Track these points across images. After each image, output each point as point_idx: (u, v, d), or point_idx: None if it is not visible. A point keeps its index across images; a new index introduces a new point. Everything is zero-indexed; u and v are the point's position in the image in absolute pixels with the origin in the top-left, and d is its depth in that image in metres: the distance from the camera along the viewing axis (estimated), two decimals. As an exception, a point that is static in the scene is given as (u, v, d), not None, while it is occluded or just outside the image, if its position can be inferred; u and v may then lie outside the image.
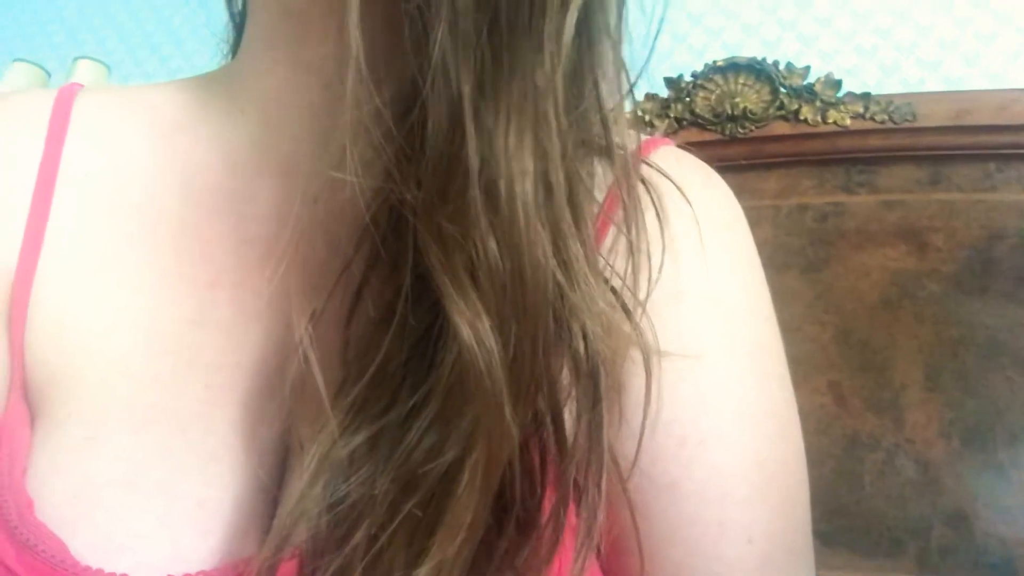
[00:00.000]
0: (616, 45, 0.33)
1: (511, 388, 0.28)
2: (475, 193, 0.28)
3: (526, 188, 0.28)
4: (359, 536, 0.29)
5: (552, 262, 0.29)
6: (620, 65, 0.34)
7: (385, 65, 0.29)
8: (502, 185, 0.28)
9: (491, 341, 0.28)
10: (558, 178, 0.29)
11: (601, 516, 0.31)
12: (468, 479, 0.28)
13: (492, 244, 0.28)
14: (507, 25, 0.28)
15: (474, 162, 0.27)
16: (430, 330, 0.30)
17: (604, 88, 0.33)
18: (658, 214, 0.36)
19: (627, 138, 0.35)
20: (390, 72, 0.30)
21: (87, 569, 0.30)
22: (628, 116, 0.36)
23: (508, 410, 0.28)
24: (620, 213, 0.35)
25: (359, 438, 0.30)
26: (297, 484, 0.30)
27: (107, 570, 0.31)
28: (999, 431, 1.06)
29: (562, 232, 0.29)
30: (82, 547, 0.31)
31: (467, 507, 0.28)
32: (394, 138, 0.30)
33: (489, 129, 0.28)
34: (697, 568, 0.34)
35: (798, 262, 1.16)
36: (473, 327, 0.28)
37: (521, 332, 0.29)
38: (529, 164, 0.28)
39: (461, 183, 0.28)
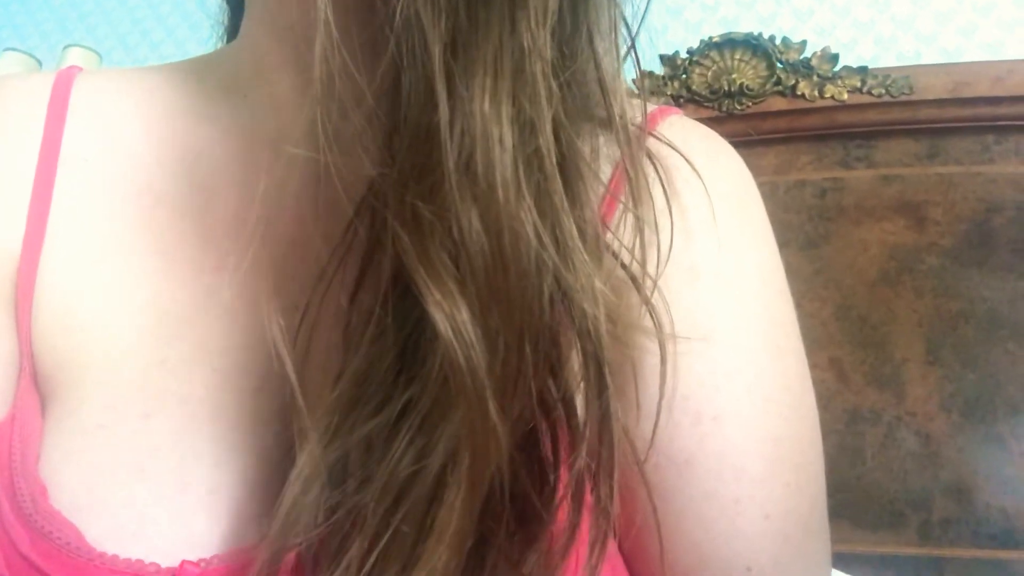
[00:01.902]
0: (613, 6, 0.31)
1: (496, 384, 0.26)
2: (449, 168, 0.25)
3: (505, 160, 0.25)
4: (354, 549, 0.27)
5: (542, 240, 0.26)
6: (618, 18, 0.31)
7: (357, 30, 0.27)
8: (478, 157, 0.25)
9: (470, 333, 0.25)
10: (548, 147, 0.26)
11: (616, 502, 0.30)
12: (453, 487, 0.26)
13: (469, 224, 0.25)
14: None
15: (446, 132, 0.25)
16: (417, 326, 0.28)
17: (600, 45, 0.30)
18: (665, 189, 0.35)
19: (631, 108, 0.33)
20: (361, 36, 0.27)
21: (102, 555, 0.30)
22: (633, 83, 0.33)
23: (493, 408, 0.26)
24: (626, 188, 0.33)
25: (351, 441, 0.28)
26: (290, 488, 0.28)
27: (122, 556, 0.31)
28: (999, 403, 1.06)
29: (553, 206, 0.27)
30: (96, 533, 0.31)
31: (451, 516, 0.27)
32: (368, 108, 0.27)
33: (462, 94, 0.25)
34: (715, 546, 0.34)
35: (797, 238, 1.16)
36: (451, 319, 0.25)
37: (505, 321, 0.26)
38: (508, 133, 0.25)
39: (437, 158, 0.25)
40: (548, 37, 0.26)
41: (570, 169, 0.28)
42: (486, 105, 0.25)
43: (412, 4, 0.25)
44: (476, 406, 0.26)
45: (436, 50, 0.25)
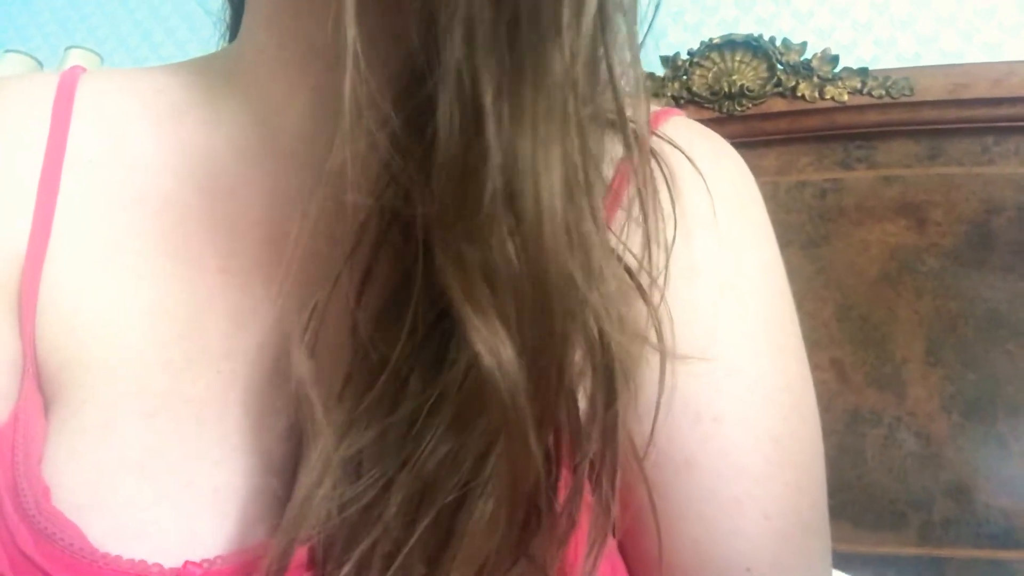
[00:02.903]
0: (630, 18, 0.31)
1: (536, 417, 0.26)
2: (499, 209, 0.25)
3: (555, 203, 0.25)
4: (372, 545, 0.27)
5: (582, 275, 0.26)
6: (633, 39, 0.31)
7: (384, 65, 0.27)
8: (528, 197, 0.25)
9: (516, 371, 0.26)
10: (579, 179, 0.27)
11: (616, 503, 0.30)
12: (493, 509, 0.27)
13: (515, 262, 0.25)
14: (528, 21, 0.25)
15: (497, 173, 0.25)
16: (437, 328, 0.28)
17: (618, 69, 0.30)
18: (670, 189, 0.35)
19: (637, 111, 0.32)
20: (391, 71, 0.27)
21: (105, 556, 0.30)
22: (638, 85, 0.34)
23: (533, 440, 0.26)
24: (631, 190, 0.33)
25: (365, 437, 0.28)
26: (304, 482, 0.29)
27: (125, 557, 0.31)
28: (1000, 404, 1.06)
29: (584, 233, 0.27)
30: (99, 534, 0.31)
31: (488, 538, 0.27)
32: (400, 144, 0.27)
33: (511, 138, 0.25)
34: (715, 545, 0.34)
35: (798, 239, 1.16)
36: (497, 356, 0.25)
37: (547, 357, 0.26)
38: (557, 171, 0.25)
39: (480, 197, 0.25)
40: (580, 71, 0.26)
41: (592, 189, 0.28)
42: (538, 146, 0.25)
43: (462, 47, 0.25)
44: (517, 438, 0.26)
45: (488, 99, 0.25)
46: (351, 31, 0.26)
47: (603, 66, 0.29)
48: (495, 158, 0.25)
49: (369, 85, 0.26)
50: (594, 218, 0.28)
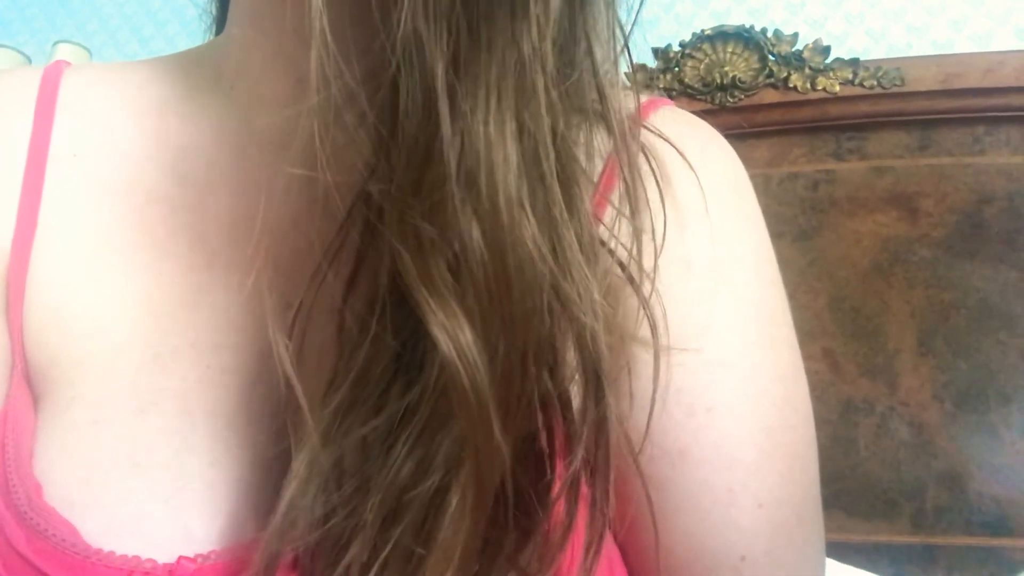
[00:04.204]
0: (611, 2, 0.31)
1: (500, 404, 0.26)
2: (452, 187, 0.24)
3: (509, 179, 0.25)
4: (351, 557, 0.27)
5: (543, 255, 0.26)
6: (615, 24, 0.31)
7: (354, 39, 0.27)
8: (482, 176, 0.24)
9: (475, 355, 0.25)
10: (548, 160, 0.26)
11: (611, 495, 0.30)
12: (457, 504, 0.26)
13: (473, 244, 0.25)
14: None
15: (450, 150, 0.24)
16: (414, 333, 0.27)
17: (599, 53, 0.30)
18: (658, 182, 0.35)
19: (624, 102, 0.32)
20: (359, 46, 0.26)
21: (98, 552, 0.30)
22: (625, 76, 0.33)
23: (497, 428, 0.26)
24: (620, 184, 0.33)
25: (347, 444, 0.28)
26: (289, 489, 0.28)
27: (118, 552, 0.30)
28: (991, 393, 1.07)
29: (553, 219, 0.27)
30: (92, 530, 0.31)
31: (457, 533, 0.26)
32: (367, 122, 0.26)
33: (465, 112, 0.24)
34: (709, 536, 0.34)
35: (790, 230, 1.16)
36: (455, 339, 0.25)
37: (509, 342, 0.26)
38: (513, 150, 0.25)
39: (437, 175, 0.25)
40: (550, 49, 0.26)
41: (568, 178, 0.28)
42: (491, 123, 0.25)
43: (412, 20, 0.24)
44: (480, 425, 0.26)
45: (439, 67, 0.24)
46: (316, 2, 0.26)
47: (582, 52, 0.29)
48: (446, 133, 0.24)
49: (337, 61, 0.26)
50: (568, 205, 0.27)
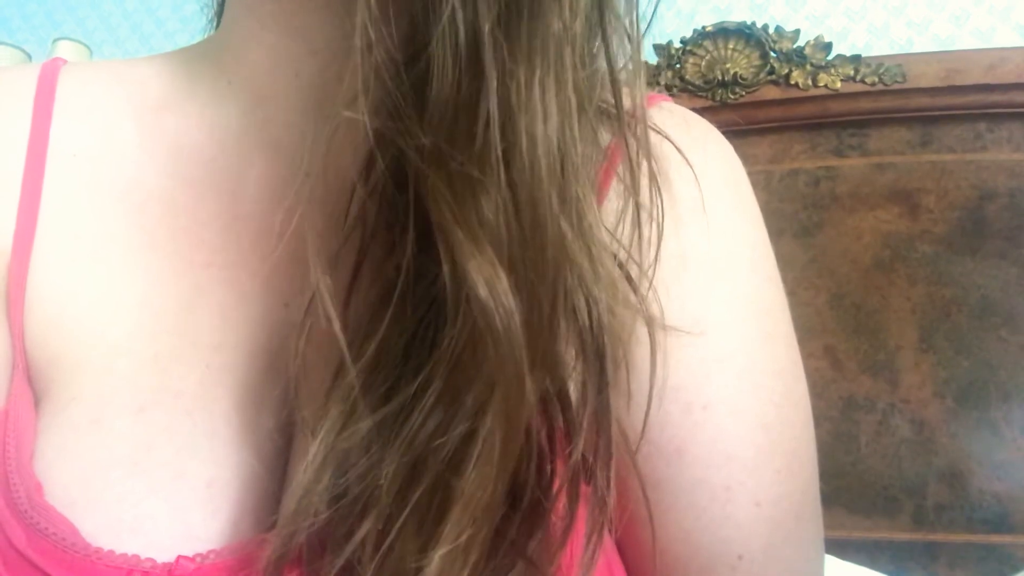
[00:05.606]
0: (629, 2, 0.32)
1: (530, 351, 0.26)
2: (494, 136, 0.25)
3: (550, 135, 0.26)
4: (366, 528, 0.27)
5: (562, 220, 0.27)
6: (633, 21, 0.32)
7: (393, 2, 0.27)
8: (523, 127, 0.26)
9: (510, 300, 0.26)
10: (573, 135, 0.27)
11: (612, 493, 0.30)
12: (483, 452, 0.26)
13: (509, 193, 0.26)
14: None
15: (493, 102, 0.25)
16: (433, 305, 0.28)
17: (613, 40, 0.31)
18: (657, 180, 0.35)
19: (630, 98, 0.33)
20: (397, 9, 0.27)
21: (98, 551, 0.30)
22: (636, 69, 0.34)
23: (528, 382, 0.26)
24: (622, 177, 0.34)
25: (363, 427, 0.28)
26: (302, 477, 0.28)
27: (118, 551, 0.31)
28: (992, 389, 1.07)
29: (574, 196, 0.27)
30: (92, 529, 0.31)
31: (483, 484, 0.26)
32: (402, 80, 0.27)
33: (510, 69, 0.25)
34: (707, 534, 0.34)
35: (791, 227, 1.16)
36: (491, 284, 0.25)
37: (540, 290, 0.26)
38: (553, 108, 0.26)
39: (472, 126, 0.26)
40: (579, 30, 0.27)
41: (585, 160, 0.29)
42: (535, 82, 0.26)
43: None
44: (512, 373, 0.26)
45: (486, 28, 0.25)
46: None
47: (599, 42, 0.30)
48: (491, 86, 0.25)
49: (378, 22, 0.27)
50: (581, 184, 0.28)
